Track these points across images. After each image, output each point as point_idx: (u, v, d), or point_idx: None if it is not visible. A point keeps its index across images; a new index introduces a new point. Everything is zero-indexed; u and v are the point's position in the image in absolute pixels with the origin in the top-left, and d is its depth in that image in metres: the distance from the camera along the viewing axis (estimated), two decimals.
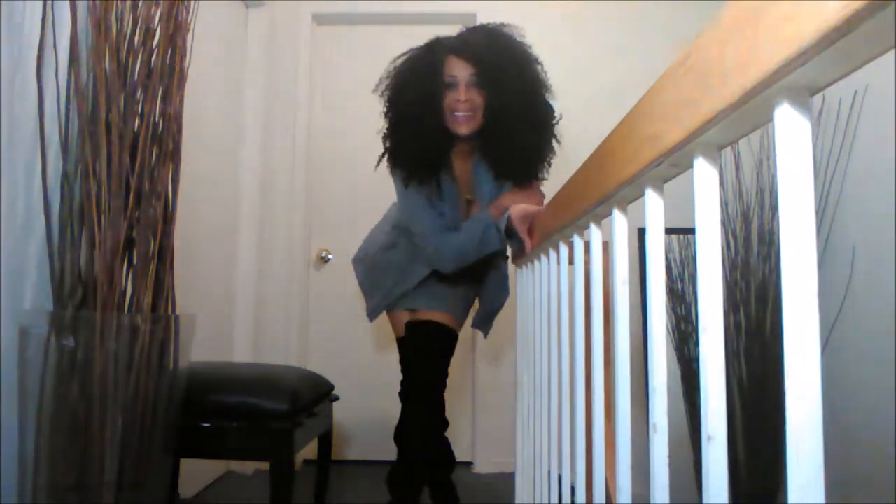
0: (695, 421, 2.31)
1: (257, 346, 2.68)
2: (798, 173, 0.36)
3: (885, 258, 1.90)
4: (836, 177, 2.13)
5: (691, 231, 2.39)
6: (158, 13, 1.39)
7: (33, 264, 1.35)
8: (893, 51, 0.31)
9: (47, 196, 1.30)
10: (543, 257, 1.22)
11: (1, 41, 1.28)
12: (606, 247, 1.27)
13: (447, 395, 1.77)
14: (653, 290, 0.59)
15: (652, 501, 0.58)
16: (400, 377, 1.78)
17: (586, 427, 0.89)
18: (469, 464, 2.71)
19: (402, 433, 1.74)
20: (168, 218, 1.41)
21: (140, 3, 1.38)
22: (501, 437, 2.65)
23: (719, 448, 0.45)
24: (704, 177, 0.48)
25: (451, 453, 1.98)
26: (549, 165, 1.68)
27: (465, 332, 2.03)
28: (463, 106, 1.54)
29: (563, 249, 1.05)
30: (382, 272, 1.84)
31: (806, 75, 0.34)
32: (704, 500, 0.46)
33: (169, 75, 1.40)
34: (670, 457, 0.57)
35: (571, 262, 0.97)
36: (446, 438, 1.95)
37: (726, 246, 2.34)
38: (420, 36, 1.71)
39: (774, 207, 2.32)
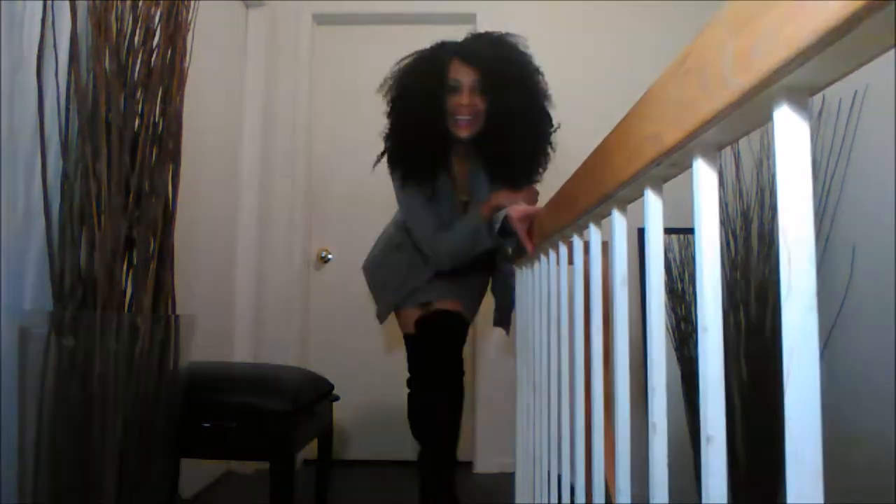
0: (695, 421, 2.31)
1: (257, 346, 2.68)
2: (797, 173, 0.36)
3: (885, 258, 1.90)
4: (836, 177, 2.13)
5: (691, 231, 2.39)
6: (158, 13, 1.39)
7: (33, 264, 1.35)
8: (893, 51, 0.31)
9: (47, 196, 1.30)
10: (543, 257, 1.22)
11: (1, 41, 1.28)
12: (606, 247, 1.27)
13: None
14: (653, 290, 0.59)
15: (651, 502, 0.58)
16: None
17: (586, 427, 0.89)
18: (469, 464, 2.71)
19: (427, 425, 1.73)
20: (168, 218, 1.41)
21: (140, 3, 1.38)
22: (501, 437, 2.65)
23: (719, 448, 0.45)
24: (704, 177, 0.48)
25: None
26: (544, 171, 1.71)
27: None
28: (465, 110, 1.57)
29: (563, 249, 1.05)
30: (390, 272, 1.85)
31: (806, 75, 0.34)
32: (704, 501, 0.46)
33: (169, 75, 1.40)
34: (670, 457, 0.57)
35: (571, 262, 0.97)
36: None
37: (726, 246, 2.33)
38: (420, 36, 1.71)
39: (774, 207, 2.32)
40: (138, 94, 1.35)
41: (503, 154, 1.61)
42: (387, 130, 1.69)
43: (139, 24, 1.37)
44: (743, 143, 2.54)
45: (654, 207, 0.59)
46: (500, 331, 2.02)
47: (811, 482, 0.34)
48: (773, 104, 0.37)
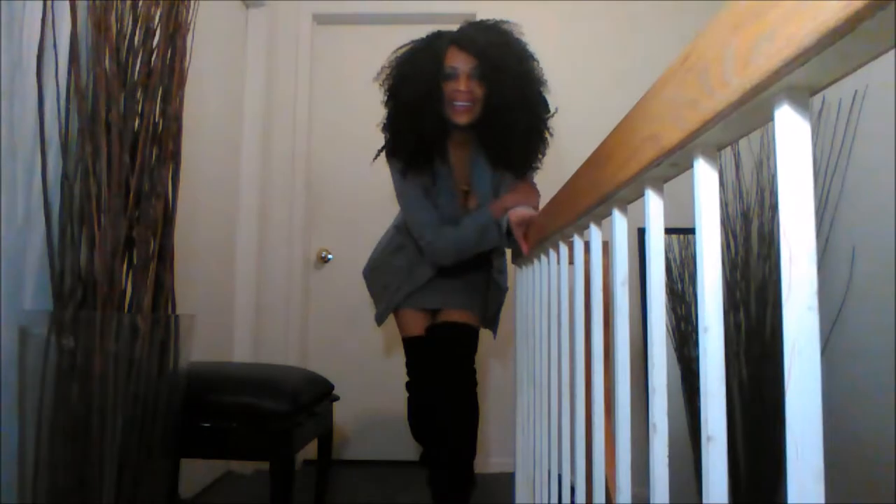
0: (695, 421, 2.31)
1: (257, 346, 2.68)
2: (798, 173, 0.36)
3: (885, 258, 1.90)
4: (836, 177, 2.13)
5: (691, 231, 2.39)
6: (158, 13, 1.39)
7: (33, 264, 1.35)
8: (893, 51, 0.31)
9: (47, 196, 1.30)
10: (543, 257, 1.22)
11: (1, 41, 1.28)
12: (606, 247, 1.27)
13: None
14: (653, 290, 0.59)
15: (652, 501, 0.58)
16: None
17: (586, 427, 0.89)
18: None
19: (448, 436, 1.68)
20: (168, 218, 1.41)
21: (140, 3, 1.38)
22: (501, 437, 2.65)
23: (719, 448, 0.45)
24: (704, 177, 0.48)
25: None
26: (544, 156, 1.73)
27: None
28: (463, 96, 1.57)
29: (563, 249, 1.05)
30: (390, 274, 1.85)
31: (806, 75, 0.34)
32: (704, 500, 0.46)
33: (169, 75, 1.40)
34: (670, 457, 0.57)
35: (571, 262, 0.97)
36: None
37: (726, 246, 2.34)
38: (420, 36, 1.71)
39: (774, 207, 2.32)
40: (138, 94, 1.35)
41: (502, 139, 1.62)
42: (385, 120, 1.70)
43: (139, 24, 1.37)
44: (743, 143, 2.54)
45: (654, 207, 0.59)
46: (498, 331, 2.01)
47: (811, 482, 0.34)
48: (774, 104, 0.37)
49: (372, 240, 2.01)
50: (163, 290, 1.37)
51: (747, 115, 0.40)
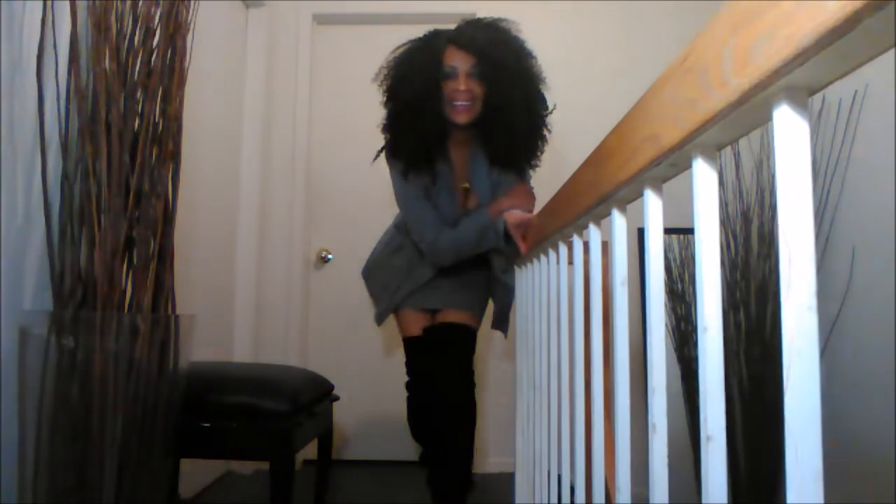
0: (695, 421, 2.31)
1: (257, 346, 2.68)
2: (797, 173, 0.36)
3: (885, 258, 1.90)
4: (836, 177, 2.13)
5: (691, 231, 2.39)
6: (158, 13, 1.39)
7: (33, 264, 1.35)
8: (893, 51, 0.31)
9: (47, 196, 1.30)
10: (543, 257, 1.22)
11: (1, 41, 1.28)
12: (606, 247, 1.27)
13: None
14: (652, 290, 0.59)
15: (651, 501, 0.58)
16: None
17: (586, 427, 0.89)
18: None
19: (445, 437, 1.68)
20: (168, 218, 1.41)
21: (140, 3, 1.38)
22: (501, 437, 2.65)
23: (719, 448, 0.45)
24: (704, 177, 0.48)
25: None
26: (542, 153, 1.73)
27: None
28: (462, 95, 1.57)
29: (563, 249, 1.05)
30: (389, 274, 1.85)
31: (805, 75, 0.34)
32: (704, 501, 0.46)
33: (169, 75, 1.39)
34: (670, 457, 0.57)
35: (571, 262, 0.97)
36: None
37: (726, 246, 2.33)
38: (419, 36, 1.71)
39: (774, 207, 2.31)
40: (138, 94, 1.35)
41: (502, 137, 1.63)
42: (384, 121, 1.69)
43: (139, 24, 1.37)
44: (743, 143, 2.54)
45: (654, 207, 0.59)
46: (499, 332, 2.01)
47: (811, 482, 0.34)
48: (773, 104, 0.37)
49: (372, 240, 2.01)
50: (163, 290, 1.37)
51: (746, 115, 0.40)
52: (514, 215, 1.54)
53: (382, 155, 1.75)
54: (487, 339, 2.73)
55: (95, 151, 1.29)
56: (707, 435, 0.45)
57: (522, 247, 1.48)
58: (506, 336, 2.01)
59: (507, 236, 1.58)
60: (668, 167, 0.54)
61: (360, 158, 2.71)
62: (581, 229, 0.92)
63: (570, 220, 0.90)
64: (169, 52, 1.40)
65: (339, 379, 2.25)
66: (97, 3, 1.32)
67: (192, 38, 1.48)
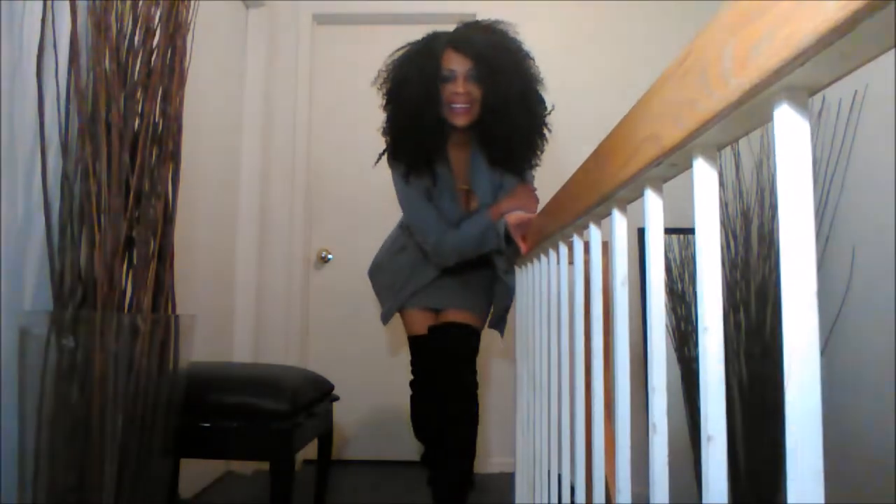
0: (695, 421, 2.31)
1: (257, 346, 2.68)
2: (797, 173, 0.36)
3: (885, 258, 1.90)
4: (836, 177, 2.13)
5: (691, 231, 2.39)
6: (158, 13, 1.39)
7: (33, 264, 1.35)
8: (893, 51, 0.31)
9: (47, 196, 1.30)
10: (543, 257, 1.22)
11: (1, 41, 1.28)
12: (606, 247, 1.27)
13: None
14: (653, 290, 0.59)
15: (652, 501, 0.58)
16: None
17: (586, 427, 0.89)
18: None
19: (446, 437, 1.68)
20: (168, 218, 1.41)
21: (140, 3, 1.38)
22: (501, 437, 2.65)
23: (719, 448, 0.45)
24: (704, 177, 0.48)
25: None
26: (542, 153, 1.74)
27: None
28: (461, 98, 1.58)
29: (563, 249, 1.05)
30: (394, 273, 1.87)
31: (805, 75, 0.34)
32: (704, 500, 0.46)
33: (169, 75, 1.39)
34: (670, 457, 0.57)
35: (571, 262, 0.97)
36: None
37: (726, 246, 2.33)
38: (420, 36, 1.71)
39: (774, 207, 2.32)
40: (138, 94, 1.35)
41: (501, 139, 1.63)
42: (384, 124, 1.70)
43: (139, 24, 1.37)
44: (743, 143, 2.54)
45: (654, 207, 0.59)
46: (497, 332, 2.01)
47: (811, 482, 0.34)
48: (773, 104, 0.37)
49: (372, 240, 2.01)
50: (163, 290, 1.37)
51: (746, 115, 0.40)
52: (514, 216, 1.55)
53: (383, 157, 1.75)
54: (488, 338, 2.73)
55: (95, 151, 1.29)
56: (707, 435, 0.45)
57: (523, 247, 1.49)
58: (502, 336, 2.02)
59: (508, 237, 1.58)
60: (669, 167, 0.54)
61: (361, 158, 2.72)
62: (581, 229, 0.92)
63: (571, 219, 0.90)
64: (169, 52, 1.40)
65: (339, 379, 2.25)
66: (97, 2, 1.32)
67: (192, 38, 1.48)
